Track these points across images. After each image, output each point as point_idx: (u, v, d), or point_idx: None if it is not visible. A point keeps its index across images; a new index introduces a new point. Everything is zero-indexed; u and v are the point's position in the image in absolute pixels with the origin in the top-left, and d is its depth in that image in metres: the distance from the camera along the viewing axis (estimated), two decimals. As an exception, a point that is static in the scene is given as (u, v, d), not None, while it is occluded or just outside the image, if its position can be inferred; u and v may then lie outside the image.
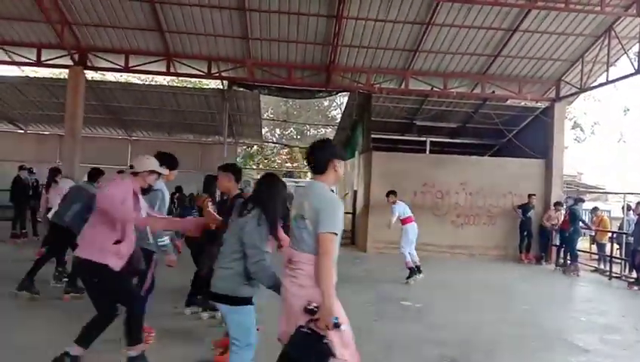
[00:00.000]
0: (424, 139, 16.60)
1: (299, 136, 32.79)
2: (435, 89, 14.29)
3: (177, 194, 14.31)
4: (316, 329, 2.88)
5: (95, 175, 7.37)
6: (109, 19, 12.53)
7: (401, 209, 9.51)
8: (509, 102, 15.75)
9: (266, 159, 32.42)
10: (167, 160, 4.87)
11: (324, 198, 3.05)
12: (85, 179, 7.53)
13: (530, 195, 13.42)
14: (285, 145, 31.42)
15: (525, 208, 13.36)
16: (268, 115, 29.87)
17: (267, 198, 3.45)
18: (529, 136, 15.86)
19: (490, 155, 17.61)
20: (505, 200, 13.92)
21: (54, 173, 10.13)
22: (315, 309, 2.91)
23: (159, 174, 4.46)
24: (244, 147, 26.82)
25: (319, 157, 3.18)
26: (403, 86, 14.19)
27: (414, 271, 9.22)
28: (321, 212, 2.98)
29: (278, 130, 33.07)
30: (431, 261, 8.36)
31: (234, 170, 5.04)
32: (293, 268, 3.09)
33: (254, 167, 30.79)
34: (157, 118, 17.89)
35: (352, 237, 15.08)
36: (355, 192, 15.70)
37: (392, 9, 11.84)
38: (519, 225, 13.46)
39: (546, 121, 14.78)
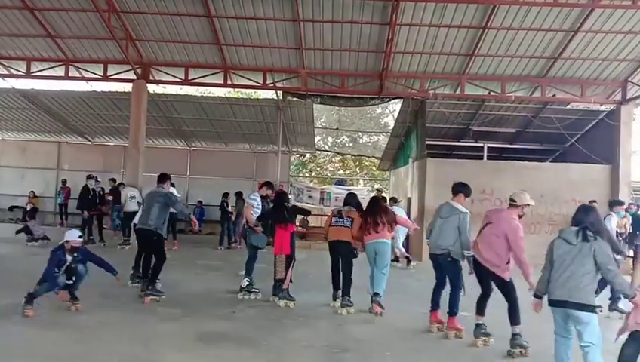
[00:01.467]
0: (481, 144, 16.19)
1: (351, 144, 32.82)
2: (492, 93, 13.95)
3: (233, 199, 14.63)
4: None
5: (163, 178, 7.93)
6: (170, 34, 13.09)
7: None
8: (571, 105, 15.13)
9: (318, 167, 32.65)
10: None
11: None
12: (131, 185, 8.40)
13: (590, 202, 12.74)
14: (338, 153, 31.52)
15: None
16: (320, 124, 30.09)
17: (598, 222, 4.48)
18: (593, 140, 15.16)
19: (551, 161, 16.97)
20: (568, 207, 13.28)
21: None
22: None
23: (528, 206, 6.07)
24: (297, 155, 27.13)
25: None
26: (459, 91, 13.95)
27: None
28: None
29: (330, 138, 33.23)
30: (490, 270, 8.24)
31: None
32: None
33: (307, 174, 31.08)
34: (214, 128, 18.42)
35: (407, 246, 14.87)
36: (409, 200, 15.51)
37: (447, 14, 11.68)
38: None
39: (612, 124, 14.08)
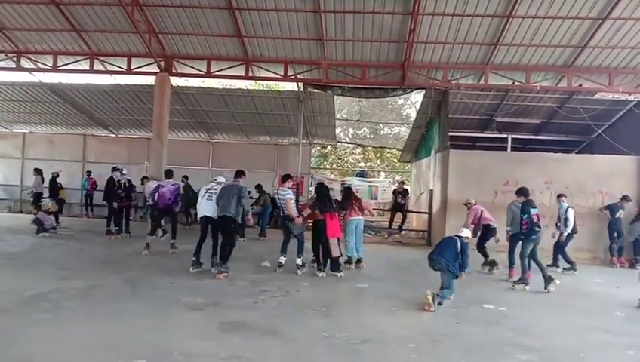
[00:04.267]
0: (505, 136, 15.97)
1: (372, 136, 32.67)
2: (516, 83, 13.73)
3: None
4: None
5: (239, 174, 9.13)
6: (192, 26, 13.20)
7: None
8: (598, 95, 14.79)
9: (339, 159, 32.59)
10: None
11: None
12: (219, 179, 9.36)
13: (624, 197, 12.45)
14: (359, 145, 31.41)
15: (612, 207, 12.40)
16: (341, 115, 30.02)
17: None
18: (621, 131, 14.82)
19: (577, 152, 16.64)
20: (594, 199, 13.05)
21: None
22: None
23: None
24: (318, 147, 27.12)
25: None
26: (482, 81, 13.77)
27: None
28: None
29: (351, 130, 33.13)
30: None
31: None
32: None
33: (328, 166, 31.08)
34: (236, 120, 18.54)
35: (428, 238, 14.80)
36: (431, 191, 15.40)
37: (470, 3, 11.54)
38: (607, 226, 12.55)
39: (641, 114, 13.72)
